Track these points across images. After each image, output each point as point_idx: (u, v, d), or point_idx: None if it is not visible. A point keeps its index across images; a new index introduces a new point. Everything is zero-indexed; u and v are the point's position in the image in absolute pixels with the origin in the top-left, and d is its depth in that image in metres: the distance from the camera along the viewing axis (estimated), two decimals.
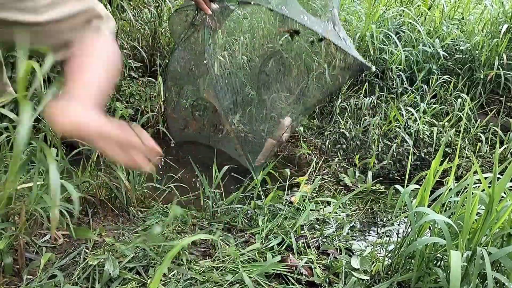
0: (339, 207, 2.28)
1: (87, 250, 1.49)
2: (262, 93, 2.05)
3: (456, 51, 3.50)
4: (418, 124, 2.87)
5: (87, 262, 1.41)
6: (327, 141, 2.94)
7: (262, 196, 1.97)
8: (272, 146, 1.80)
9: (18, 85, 0.86)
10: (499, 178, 1.22)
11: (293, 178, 2.23)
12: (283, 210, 1.92)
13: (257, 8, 1.86)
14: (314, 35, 1.94)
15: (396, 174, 2.77)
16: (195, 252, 1.57)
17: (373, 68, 1.59)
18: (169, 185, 2.01)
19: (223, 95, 1.82)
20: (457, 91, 3.19)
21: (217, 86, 1.79)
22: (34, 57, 1.19)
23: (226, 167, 1.98)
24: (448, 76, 3.30)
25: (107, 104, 2.78)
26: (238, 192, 1.96)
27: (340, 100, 3.19)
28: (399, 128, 2.85)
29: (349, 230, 2.08)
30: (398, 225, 2.14)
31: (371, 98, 3.10)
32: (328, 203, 2.25)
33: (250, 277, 1.39)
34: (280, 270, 1.49)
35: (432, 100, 3.20)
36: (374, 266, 1.58)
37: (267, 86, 2.10)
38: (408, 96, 3.13)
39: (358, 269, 1.57)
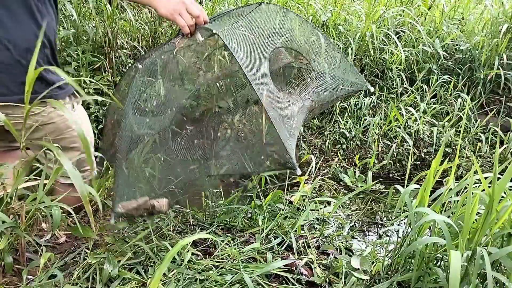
0: (339, 207, 2.28)
1: (87, 250, 1.49)
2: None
3: (456, 51, 3.51)
4: (418, 124, 2.87)
5: (87, 261, 1.41)
6: (327, 141, 2.95)
7: (261, 196, 1.97)
8: (143, 205, 1.53)
9: None
10: (499, 178, 1.22)
11: (293, 177, 2.23)
12: (283, 210, 1.92)
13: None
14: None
15: (396, 174, 2.77)
16: (195, 252, 1.57)
17: (299, 171, 1.20)
18: (170, 185, 2.01)
19: None
20: (457, 91, 3.19)
21: None
22: None
23: (225, 167, 1.97)
24: (448, 76, 3.30)
25: (107, 104, 2.78)
26: (238, 193, 1.96)
27: (340, 100, 3.19)
28: (399, 128, 2.85)
29: (349, 230, 2.09)
30: (398, 225, 2.14)
31: (371, 98, 3.10)
32: (328, 203, 2.25)
33: (250, 277, 1.39)
34: (280, 270, 1.49)
35: (432, 100, 3.20)
36: (374, 266, 1.58)
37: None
38: (408, 96, 3.13)
39: (358, 269, 1.57)
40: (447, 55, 3.43)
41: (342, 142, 2.94)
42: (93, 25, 2.99)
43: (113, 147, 1.57)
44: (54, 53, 1.54)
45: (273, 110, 1.28)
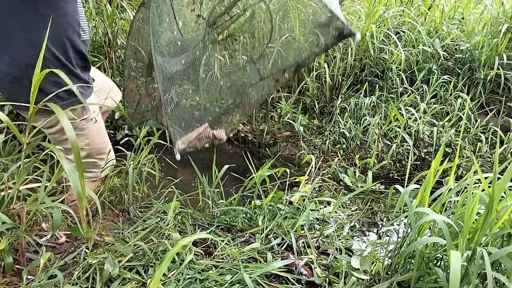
0: (339, 207, 2.28)
1: (87, 250, 1.49)
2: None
3: (456, 51, 3.51)
4: (418, 124, 2.87)
5: (87, 261, 1.41)
6: (327, 141, 2.95)
7: (262, 196, 1.97)
8: (203, 133, 1.55)
9: None
10: (499, 178, 1.22)
11: (293, 178, 2.23)
12: (283, 210, 1.92)
13: None
14: None
15: (396, 174, 2.77)
16: (195, 251, 1.57)
17: (358, 35, 1.34)
18: (170, 185, 2.01)
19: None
20: (457, 91, 3.19)
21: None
22: None
23: (225, 167, 1.97)
24: (448, 76, 3.30)
25: None
26: (238, 193, 1.95)
27: (340, 100, 3.20)
28: (399, 128, 2.85)
29: (349, 230, 2.09)
30: (398, 225, 2.14)
31: (371, 98, 3.10)
32: (328, 203, 2.25)
33: (250, 277, 1.39)
34: (280, 270, 1.49)
35: (432, 100, 3.20)
36: (374, 266, 1.58)
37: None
38: (408, 96, 3.13)
39: (358, 269, 1.57)
40: (447, 55, 3.43)
41: (342, 142, 2.94)
42: (93, 25, 2.99)
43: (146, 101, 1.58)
44: (60, 60, 1.59)
45: None
